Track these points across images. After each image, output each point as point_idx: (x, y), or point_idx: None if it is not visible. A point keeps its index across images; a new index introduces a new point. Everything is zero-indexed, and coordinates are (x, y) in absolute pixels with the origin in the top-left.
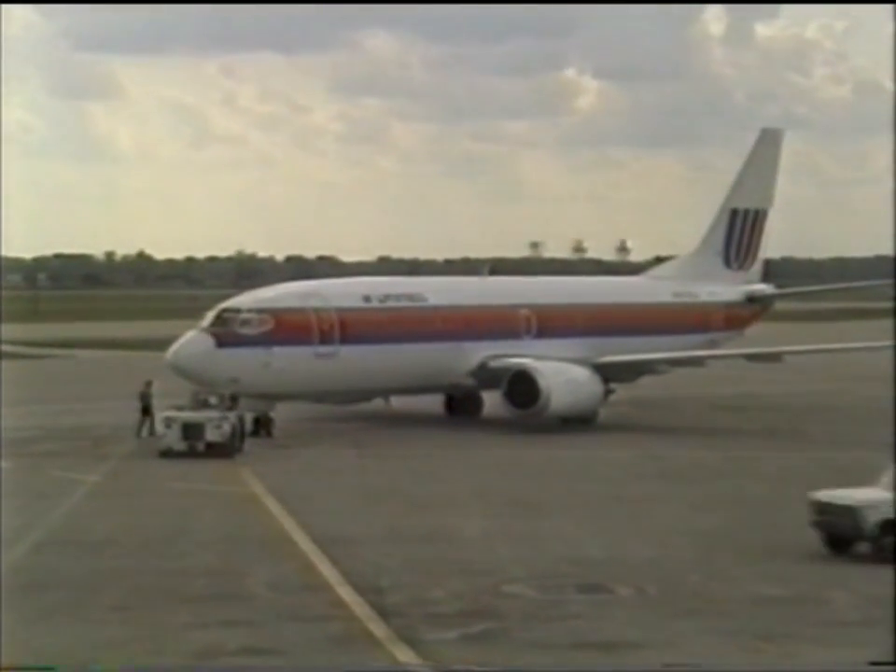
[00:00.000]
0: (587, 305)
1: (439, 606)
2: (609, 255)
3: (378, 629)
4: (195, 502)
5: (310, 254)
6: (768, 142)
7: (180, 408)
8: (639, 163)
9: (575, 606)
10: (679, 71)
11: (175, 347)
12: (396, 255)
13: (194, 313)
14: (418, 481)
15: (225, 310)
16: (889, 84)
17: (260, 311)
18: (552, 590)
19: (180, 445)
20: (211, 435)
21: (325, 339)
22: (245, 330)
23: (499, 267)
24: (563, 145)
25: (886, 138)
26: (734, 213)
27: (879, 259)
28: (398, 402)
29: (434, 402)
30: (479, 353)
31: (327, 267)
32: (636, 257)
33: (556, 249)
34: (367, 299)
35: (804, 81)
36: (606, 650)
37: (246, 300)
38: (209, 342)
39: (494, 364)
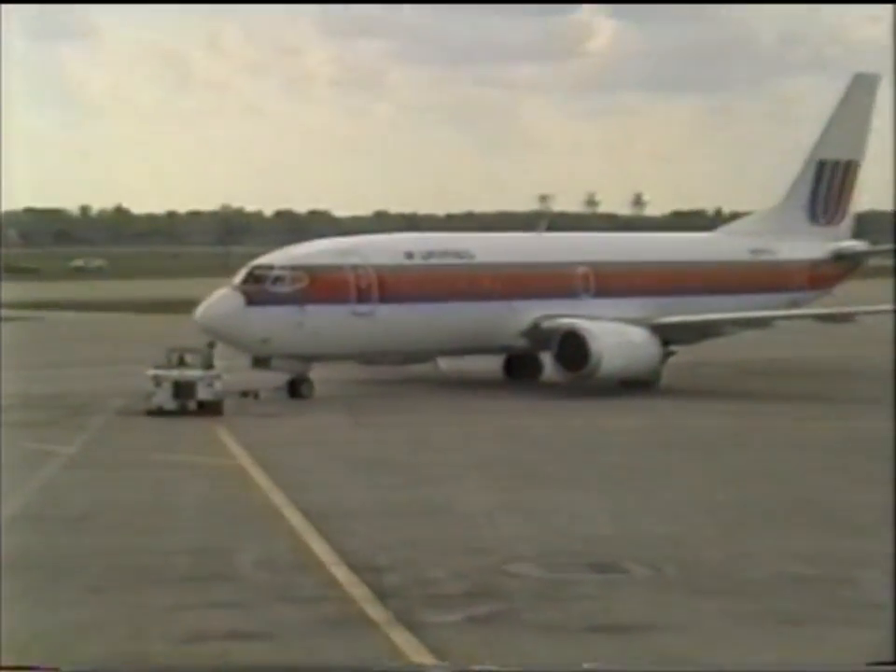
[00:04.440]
0: (651, 263)
1: (440, 586)
2: (623, 209)
3: (375, 611)
4: (178, 475)
5: (301, 208)
6: (862, 88)
7: (157, 367)
8: (656, 110)
9: (587, 586)
10: (699, 10)
11: (203, 306)
12: (393, 209)
13: (176, 272)
14: (420, 450)
15: (257, 267)
16: None
17: (294, 268)
18: (561, 569)
19: (171, 404)
20: (203, 393)
21: (363, 297)
22: (278, 288)
23: (557, 222)
24: (573, 90)
25: None
26: (821, 164)
27: None
28: (457, 364)
29: (494, 364)
30: (531, 313)
31: (319, 222)
32: (652, 210)
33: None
34: (409, 255)
35: (836, 21)
36: (620, 633)
37: (279, 256)
38: (239, 300)
39: (546, 324)
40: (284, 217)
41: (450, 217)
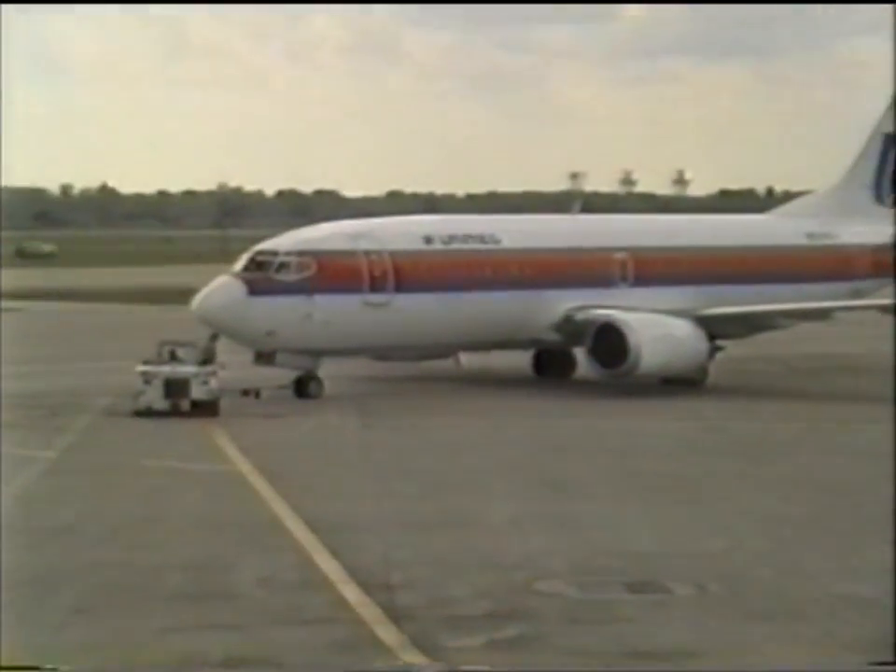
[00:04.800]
0: (696, 248)
1: (461, 606)
2: (663, 188)
3: (388, 634)
4: (171, 482)
5: (306, 188)
6: None
7: (146, 362)
8: (701, 77)
9: (624, 607)
10: None
11: (201, 295)
12: (408, 189)
13: (168, 258)
14: (438, 455)
15: (259, 252)
16: None
17: (301, 253)
18: (596, 588)
19: (161, 404)
20: (197, 392)
21: (377, 286)
22: (283, 276)
23: (591, 203)
24: (609, 55)
25: None
26: (888, 138)
27: None
28: (480, 360)
29: (522, 361)
30: (563, 303)
31: (326, 203)
32: (696, 190)
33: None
34: (428, 240)
35: None
36: (660, 659)
37: (285, 240)
38: (240, 289)
39: (579, 316)
40: (287, 197)
41: (471, 198)
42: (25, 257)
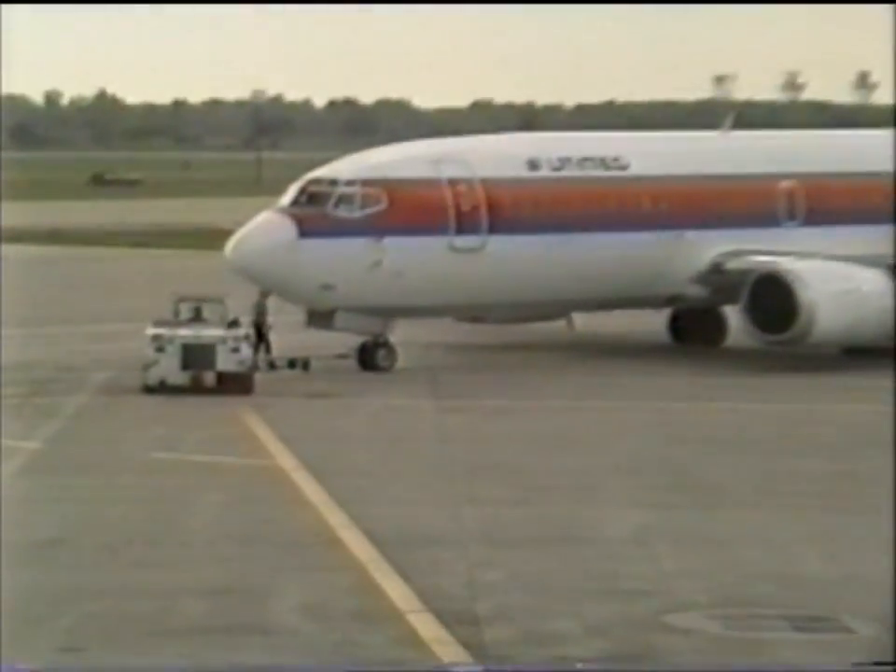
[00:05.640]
0: (887, 175)
1: (568, 645)
2: (840, 94)
3: None
4: (190, 482)
5: (366, 97)
6: None
7: (159, 324)
8: None
9: (785, 649)
10: None
11: (237, 238)
12: (500, 98)
13: (189, 188)
14: (538, 448)
15: (313, 181)
16: None
17: (367, 182)
18: (746, 623)
19: (178, 378)
20: (225, 362)
21: (466, 225)
22: (344, 212)
23: (746, 116)
24: None
25: None
26: None
27: None
28: (600, 322)
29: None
30: (710, 248)
31: (392, 117)
32: (884, 96)
33: (756, 87)
34: (533, 164)
35: None
36: None
37: (345, 166)
38: (288, 230)
39: (732, 265)
40: (341, 108)
41: (582, 110)
42: (103, 184)
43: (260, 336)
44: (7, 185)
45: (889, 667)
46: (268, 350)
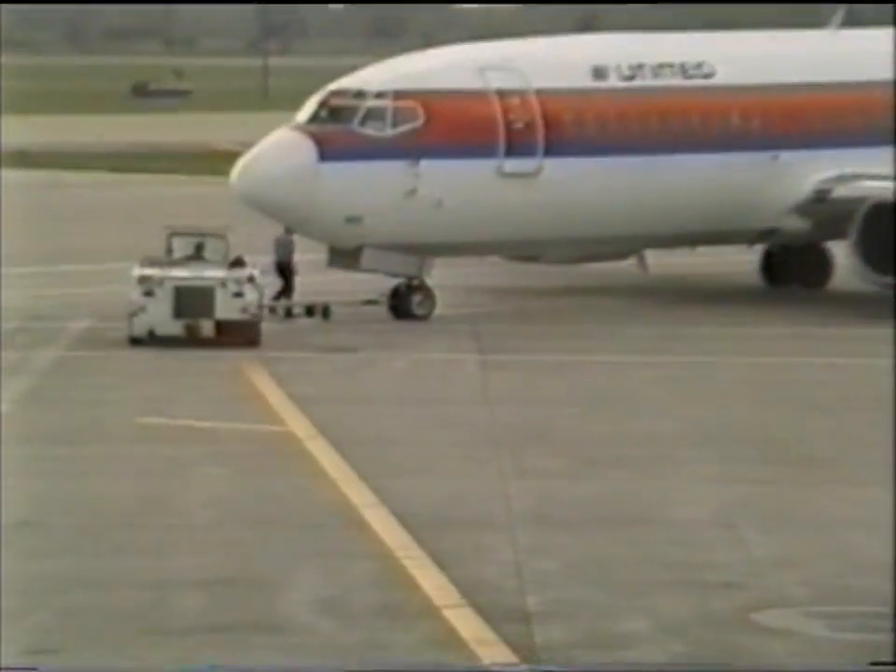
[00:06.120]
0: None
1: (636, 647)
2: None
3: None
4: (185, 452)
5: None
6: None
7: (148, 263)
8: None
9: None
10: None
11: (245, 161)
12: None
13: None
14: (600, 411)
15: (336, 93)
16: None
17: (399, 94)
18: (852, 623)
19: (170, 327)
20: (225, 309)
21: (518, 146)
22: (373, 131)
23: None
24: None
25: None
26: None
27: None
28: (677, 262)
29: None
30: (813, 172)
31: (425, 14)
32: None
33: None
34: (599, 73)
35: None
36: None
37: (374, 75)
38: (307, 151)
39: (839, 192)
40: (363, 6)
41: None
42: (147, 95)
43: (286, 280)
44: None
45: None
46: (289, 295)
